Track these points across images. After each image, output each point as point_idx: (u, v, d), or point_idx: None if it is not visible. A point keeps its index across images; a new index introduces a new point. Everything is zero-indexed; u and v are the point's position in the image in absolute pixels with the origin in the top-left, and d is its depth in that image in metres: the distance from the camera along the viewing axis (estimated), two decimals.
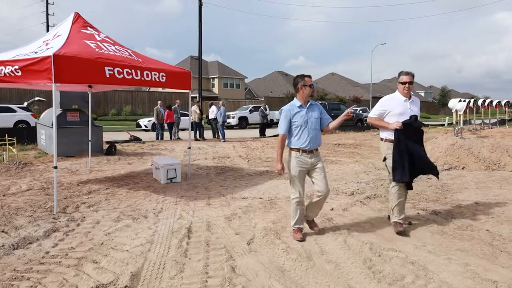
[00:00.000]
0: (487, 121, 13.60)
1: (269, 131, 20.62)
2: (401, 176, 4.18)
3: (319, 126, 4.20)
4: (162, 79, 6.50)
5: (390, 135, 4.29)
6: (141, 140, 15.57)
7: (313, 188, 4.23)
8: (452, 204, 5.46)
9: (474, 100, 10.71)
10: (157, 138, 16.82)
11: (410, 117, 4.22)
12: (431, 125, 28.03)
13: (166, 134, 17.83)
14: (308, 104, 4.15)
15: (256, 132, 20.47)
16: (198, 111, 17.20)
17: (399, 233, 4.24)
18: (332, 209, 5.43)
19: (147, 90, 41.20)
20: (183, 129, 19.17)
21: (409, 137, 4.19)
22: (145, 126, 23.96)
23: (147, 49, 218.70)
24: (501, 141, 8.37)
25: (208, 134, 18.59)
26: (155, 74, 6.44)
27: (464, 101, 9.66)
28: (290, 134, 4.12)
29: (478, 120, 12.56)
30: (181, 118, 18.29)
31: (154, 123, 19.44)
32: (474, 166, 7.82)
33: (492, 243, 3.96)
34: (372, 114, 4.43)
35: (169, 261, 3.60)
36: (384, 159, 4.45)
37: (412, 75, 4.27)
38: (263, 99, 42.00)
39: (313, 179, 4.17)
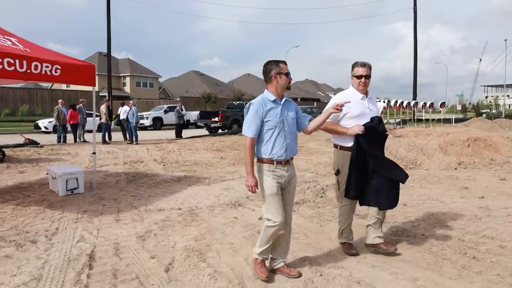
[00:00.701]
0: (392, 120, 14.36)
1: (185, 132, 19.71)
2: (355, 191, 3.52)
3: (296, 129, 3.26)
4: (56, 72, 5.43)
5: (348, 142, 3.55)
6: (38, 143, 13.67)
7: None
8: None
9: (388, 101, 11.12)
10: (59, 141, 14.97)
11: (372, 119, 3.54)
12: None
13: (70, 137, 16.00)
14: (284, 100, 3.19)
15: (172, 133, 19.40)
16: (105, 111, 15.70)
17: (352, 255, 3.66)
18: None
19: (48, 87, 37.38)
20: (89, 131, 17.43)
21: (370, 144, 3.46)
22: (45, 128, 21.44)
23: (49, 45, 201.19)
24: (415, 141, 8.65)
25: (119, 136, 17.13)
26: (46, 67, 5.35)
27: (383, 101, 9.89)
28: (259, 140, 3.11)
29: (391, 119, 13.22)
30: (87, 119, 16.60)
31: (55, 125, 17.37)
32: None
33: (431, 249, 3.75)
34: None
35: None
36: (337, 172, 3.65)
37: (369, 67, 3.60)
38: (178, 99, 40.70)
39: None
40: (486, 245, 3.79)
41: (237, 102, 25.48)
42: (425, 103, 13.79)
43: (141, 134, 18.48)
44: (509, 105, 59.40)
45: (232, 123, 21.66)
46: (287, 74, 3.15)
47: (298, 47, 57.90)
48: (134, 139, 15.18)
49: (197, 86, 58.07)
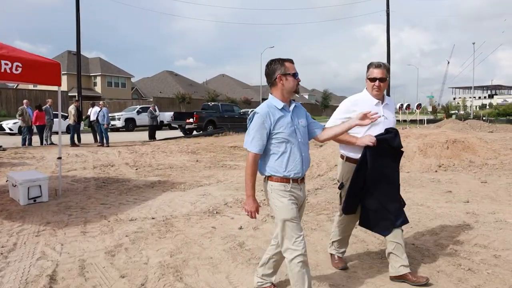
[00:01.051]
0: None
1: (159, 134, 19.15)
2: (353, 208, 3.15)
3: (307, 139, 2.76)
4: (17, 70, 4.96)
5: (356, 153, 3.09)
6: (1, 146, 12.89)
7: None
8: None
9: None
10: (24, 144, 14.18)
11: (387, 130, 3.01)
12: None
13: (36, 139, 15.21)
14: (293, 106, 2.65)
15: (145, 135, 18.81)
16: (74, 112, 15.00)
17: (342, 269, 3.37)
18: (241, 228, 4.61)
19: (13, 87, 35.81)
20: (57, 133, 16.64)
21: (380, 159, 2.97)
22: (10, 130, 20.43)
23: (16, 43, 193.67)
24: None
25: (89, 138, 16.44)
26: (6, 64, 4.87)
27: None
28: (268, 154, 2.59)
29: None
30: (55, 120, 15.83)
31: (20, 126, 16.49)
32: None
33: (424, 260, 3.54)
34: (332, 124, 3.09)
35: None
36: (341, 186, 3.23)
37: (386, 69, 3.11)
38: (152, 100, 39.82)
39: None
40: (480, 255, 3.62)
41: (212, 103, 25.02)
42: (402, 105, 13.88)
43: (113, 136, 17.81)
44: (476, 106, 61.48)
45: (207, 124, 21.23)
46: (295, 75, 2.60)
47: (274, 48, 57.90)
48: (104, 141, 14.56)
49: (171, 86, 57.15)
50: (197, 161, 10.66)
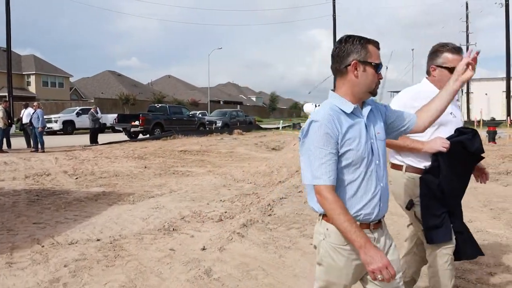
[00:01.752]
0: None
1: (102, 137, 17.84)
2: (445, 233, 2.26)
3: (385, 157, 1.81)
4: None
5: (421, 162, 2.33)
6: None
7: None
8: None
9: None
10: None
11: (461, 130, 2.29)
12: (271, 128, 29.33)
13: None
14: (367, 110, 1.74)
15: (86, 139, 17.41)
16: (3, 114, 13.45)
17: None
18: (204, 249, 3.99)
19: None
20: None
21: (456, 168, 2.26)
22: None
23: None
24: None
25: (21, 142, 14.86)
26: None
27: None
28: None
29: None
30: None
31: None
32: None
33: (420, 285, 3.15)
34: None
35: None
36: (411, 205, 2.35)
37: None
38: (93, 101, 37.63)
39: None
40: (474, 273, 3.30)
41: (159, 105, 23.94)
42: None
43: (49, 140, 16.29)
44: None
45: (154, 127, 20.18)
46: (378, 67, 1.69)
47: (221, 49, 57.25)
48: (39, 146, 13.18)
49: (113, 87, 54.58)
50: (145, 167, 9.83)
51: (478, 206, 5.25)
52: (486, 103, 44.65)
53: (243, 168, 9.27)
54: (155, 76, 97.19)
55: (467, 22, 44.95)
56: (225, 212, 5.40)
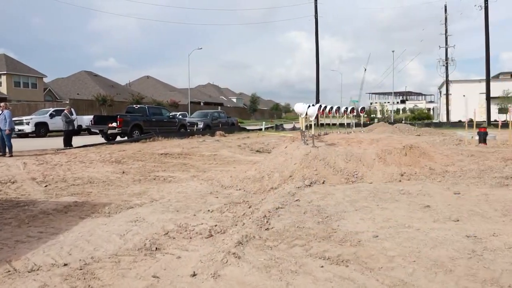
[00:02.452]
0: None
1: (76, 140, 16.82)
2: None
3: None
4: None
5: None
6: None
7: None
8: (350, 241, 4.04)
9: (320, 105, 10.38)
10: None
11: None
12: (255, 129, 28.67)
13: None
14: None
15: (59, 142, 16.35)
16: None
17: None
18: (194, 275, 3.33)
19: None
20: None
21: None
22: None
23: None
24: (351, 149, 7.78)
25: None
26: None
27: (313, 105, 8.96)
28: None
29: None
30: None
31: None
32: (335, 179, 6.88)
33: None
34: None
35: None
36: None
37: None
38: (68, 102, 36.19)
39: None
40: None
41: (138, 106, 22.93)
42: (346, 108, 13.46)
43: (19, 143, 15.21)
44: (391, 111, 65.70)
45: (133, 129, 19.20)
46: None
47: (202, 49, 56.33)
48: (7, 150, 12.16)
49: (90, 88, 52.84)
50: (123, 172, 9.06)
51: (497, 216, 4.74)
52: (464, 104, 45.25)
53: (229, 172, 8.60)
54: (134, 77, 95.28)
55: (445, 25, 45.38)
56: (215, 226, 4.74)
